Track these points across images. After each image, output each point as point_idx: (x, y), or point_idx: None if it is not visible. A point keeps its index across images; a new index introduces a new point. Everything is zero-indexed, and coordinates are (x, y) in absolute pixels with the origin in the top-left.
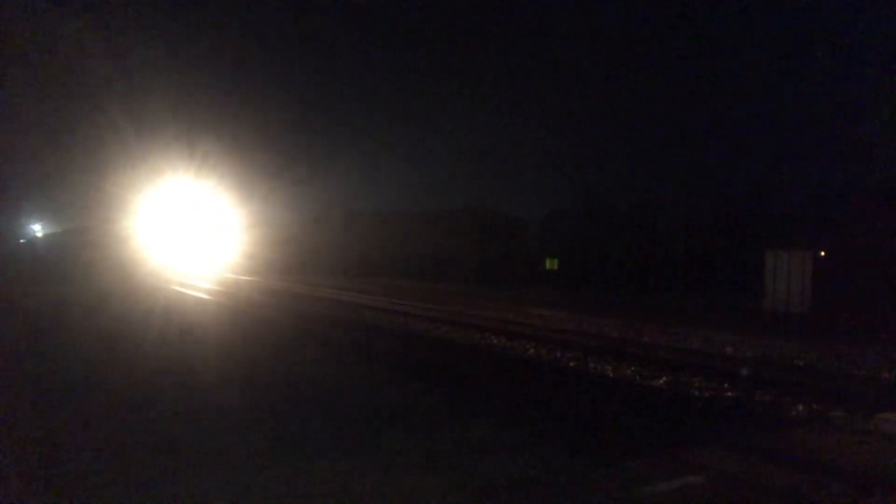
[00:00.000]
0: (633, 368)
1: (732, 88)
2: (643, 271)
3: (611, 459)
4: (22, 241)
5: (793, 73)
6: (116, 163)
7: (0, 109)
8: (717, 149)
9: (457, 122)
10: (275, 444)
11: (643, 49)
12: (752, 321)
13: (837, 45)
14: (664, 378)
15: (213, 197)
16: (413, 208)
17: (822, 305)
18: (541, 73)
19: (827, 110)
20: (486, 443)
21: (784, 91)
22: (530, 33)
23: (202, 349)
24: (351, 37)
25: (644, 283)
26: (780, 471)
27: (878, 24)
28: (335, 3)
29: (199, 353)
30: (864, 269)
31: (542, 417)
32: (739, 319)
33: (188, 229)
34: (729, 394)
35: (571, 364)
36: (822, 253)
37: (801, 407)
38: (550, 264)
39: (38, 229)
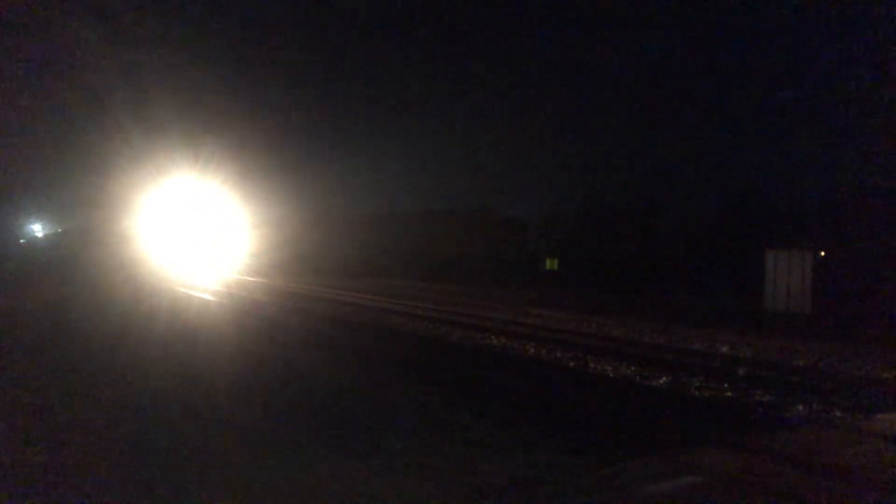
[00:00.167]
0: (632, 368)
1: (733, 88)
2: (643, 271)
3: (611, 459)
4: (22, 241)
5: (793, 73)
6: (121, 162)
7: (2, 109)
8: (717, 149)
9: (457, 123)
10: (276, 446)
11: (643, 49)
12: (753, 321)
13: (837, 45)
14: (664, 378)
15: (217, 197)
16: (413, 208)
17: (823, 305)
18: (541, 74)
19: (827, 110)
20: (486, 443)
21: (784, 90)
22: (530, 34)
23: (209, 360)
24: (353, 38)
25: (644, 283)
26: (779, 471)
27: (878, 23)
28: (339, 4)
29: (206, 366)
30: (864, 269)
31: (543, 417)
32: (739, 319)
33: (192, 229)
34: (729, 394)
35: (571, 364)
36: (822, 253)
37: (800, 407)
38: (550, 264)
39: (37, 229)
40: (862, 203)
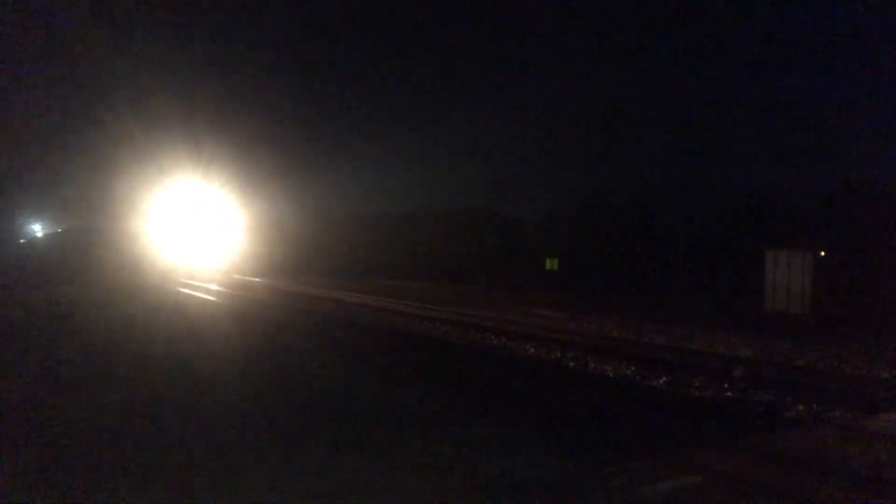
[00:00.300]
0: (632, 368)
1: (733, 88)
2: (643, 271)
3: (611, 459)
4: (22, 241)
5: (793, 73)
6: (124, 162)
7: (5, 109)
8: (717, 149)
9: (457, 123)
10: (276, 443)
11: (643, 48)
12: (753, 321)
13: (838, 45)
14: (664, 378)
15: (219, 197)
16: (413, 208)
17: (823, 305)
18: (541, 74)
19: (827, 110)
20: (486, 443)
21: (785, 90)
22: (530, 33)
23: (212, 364)
24: (354, 39)
25: (644, 283)
26: (779, 471)
27: (879, 22)
28: (339, 5)
29: (209, 375)
30: (864, 269)
31: (543, 417)
32: (739, 320)
33: (195, 229)
34: (729, 394)
35: (571, 364)
36: (822, 253)
37: (800, 407)
38: (550, 264)
39: (38, 229)
40: (862, 203)
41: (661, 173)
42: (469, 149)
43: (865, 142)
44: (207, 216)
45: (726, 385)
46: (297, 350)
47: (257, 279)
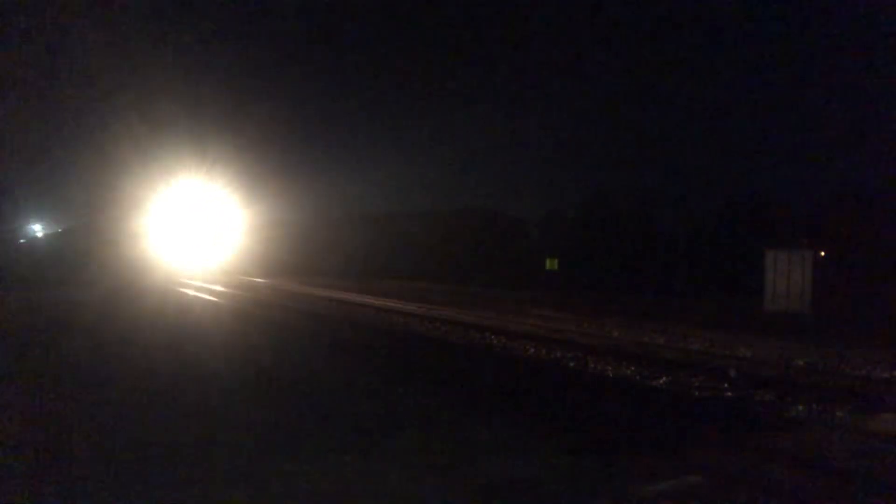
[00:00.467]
0: (632, 368)
1: (733, 88)
2: (643, 271)
3: (611, 459)
4: (22, 241)
5: (794, 73)
6: (127, 162)
7: (7, 109)
8: (717, 149)
9: (457, 123)
10: (276, 443)
11: (643, 48)
12: (753, 321)
13: (838, 45)
14: (664, 378)
15: (223, 197)
16: (413, 208)
17: (823, 305)
18: (541, 74)
19: (828, 109)
20: (486, 442)
21: (785, 90)
22: (530, 34)
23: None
24: (356, 40)
25: (644, 283)
26: (779, 471)
27: (880, 22)
28: (340, 6)
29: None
30: (864, 269)
31: (543, 417)
32: (740, 319)
33: (198, 229)
34: (729, 394)
35: (571, 364)
36: (822, 253)
37: (801, 407)
38: (551, 264)
39: (38, 229)
40: (862, 203)
41: (661, 173)
42: (470, 149)
43: (865, 142)
44: (210, 216)
45: (726, 385)
46: (298, 350)
47: (260, 280)
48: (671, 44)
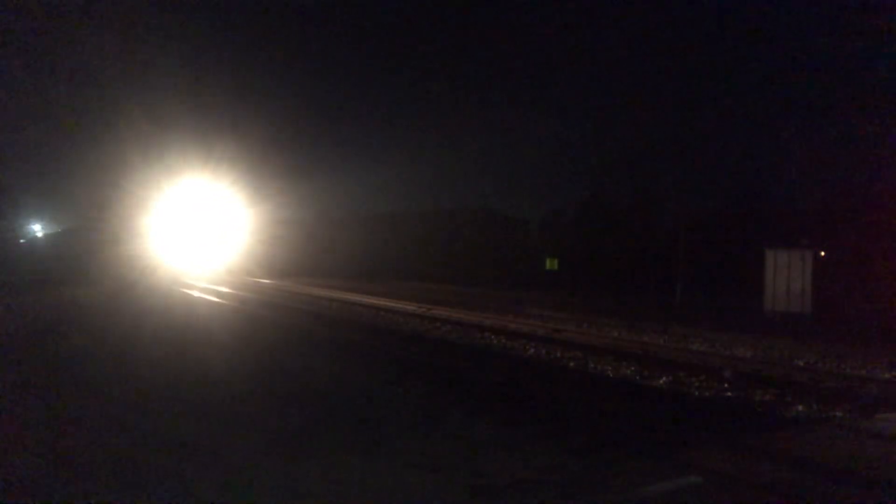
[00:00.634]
0: (632, 368)
1: (733, 88)
2: (643, 271)
3: (611, 459)
4: (22, 241)
5: (794, 73)
6: (131, 161)
7: (8, 109)
8: (717, 148)
9: (457, 123)
10: (278, 443)
11: (643, 48)
12: (753, 321)
13: (839, 45)
14: (664, 378)
15: (228, 197)
16: (414, 209)
17: (823, 305)
18: (541, 74)
19: (828, 109)
20: (486, 442)
21: (785, 89)
22: (531, 34)
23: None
24: (358, 41)
25: (644, 283)
26: (779, 471)
27: (880, 22)
28: (343, 6)
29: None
30: (864, 269)
31: (543, 417)
32: (740, 319)
33: (203, 229)
34: (729, 394)
35: (571, 364)
36: (822, 253)
37: (800, 407)
38: (550, 264)
39: (38, 229)
40: (862, 203)
41: (661, 173)
42: (470, 149)
43: (865, 142)
44: (215, 216)
45: (726, 385)
46: (300, 350)
47: (266, 280)
48: (671, 43)
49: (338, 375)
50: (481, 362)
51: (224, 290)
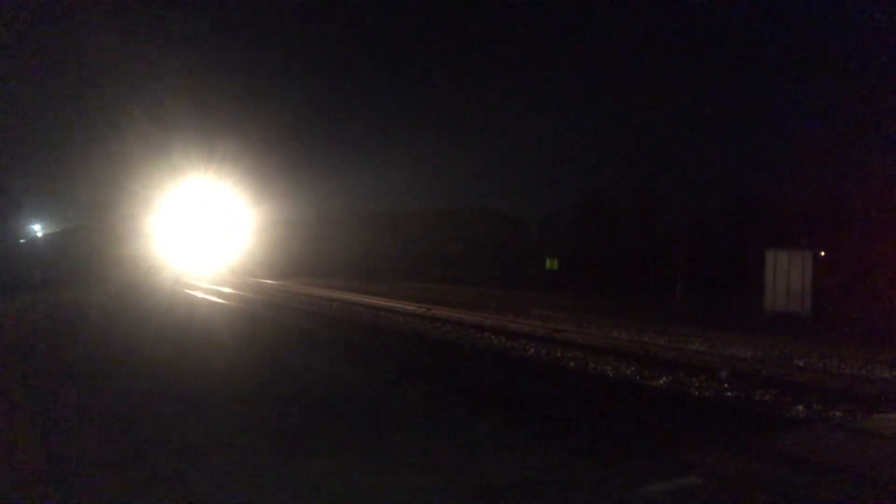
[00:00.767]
0: (632, 368)
1: (734, 88)
2: (643, 271)
3: (611, 459)
4: (22, 241)
5: (794, 72)
6: (134, 161)
7: (9, 108)
8: (717, 148)
9: (457, 123)
10: (279, 443)
11: (644, 47)
12: (753, 321)
13: (840, 45)
14: (664, 378)
15: (231, 197)
16: (414, 209)
17: (823, 305)
18: (541, 74)
19: (828, 109)
20: (487, 442)
21: (785, 89)
22: (531, 34)
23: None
24: (360, 41)
25: (644, 283)
26: (779, 471)
27: (880, 23)
28: (343, 8)
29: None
30: (864, 269)
31: (543, 417)
32: (740, 319)
33: (206, 230)
34: (729, 394)
35: (571, 364)
36: (822, 253)
37: (800, 407)
38: (550, 264)
39: (38, 229)
40: (862, 203)
41: (661, 173)
42: (470, 148)
43: (865, 141)
44: (218, 216)
45: (726, 385)
46: (302, 351)
47: (269, 281)
48: (671, 43)
49: (338, 375)
50: (481, 362)
51: (226, 290)
